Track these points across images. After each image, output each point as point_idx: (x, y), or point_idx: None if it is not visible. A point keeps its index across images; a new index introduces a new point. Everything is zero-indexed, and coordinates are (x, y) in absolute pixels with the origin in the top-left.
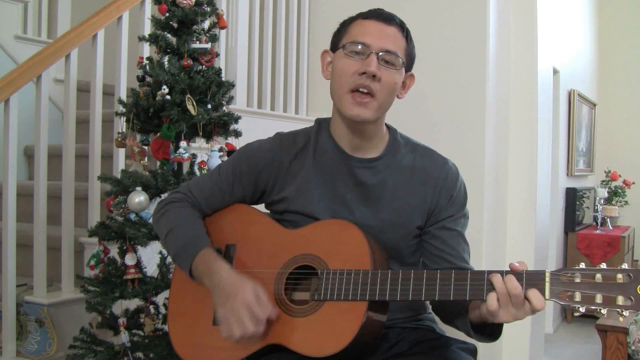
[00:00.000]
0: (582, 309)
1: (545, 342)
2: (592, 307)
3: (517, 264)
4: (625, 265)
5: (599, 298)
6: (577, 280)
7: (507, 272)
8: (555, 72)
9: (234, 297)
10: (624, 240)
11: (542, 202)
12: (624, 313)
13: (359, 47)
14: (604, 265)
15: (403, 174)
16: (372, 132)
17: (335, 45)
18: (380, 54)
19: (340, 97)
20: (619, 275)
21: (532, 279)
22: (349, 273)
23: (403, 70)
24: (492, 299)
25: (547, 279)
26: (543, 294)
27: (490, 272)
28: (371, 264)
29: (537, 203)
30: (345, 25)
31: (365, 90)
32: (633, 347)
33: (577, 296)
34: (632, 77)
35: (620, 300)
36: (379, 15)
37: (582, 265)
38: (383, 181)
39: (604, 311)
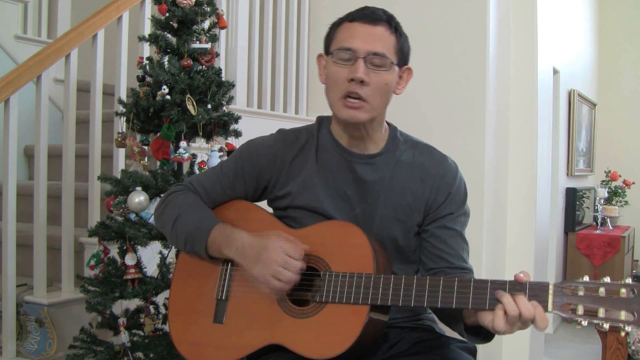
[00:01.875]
0: (585, 323)
1: (545, 342)
2: (595, 321)
3: (521, 275)
4: (629, 280)
5: (601, 312)
6: (581, 293)
7: (510, 283)
8: (555, 72)
9: (265, 251)
10: (624, 240)
11: (542, 202)
12: (626, 328)
13: (346, 54)
14: (607, 279)
15: (402, 171)
16: (370, 131)
17: (326, 49)
18: (368, 57)
19: (333, 103)
20: (623, 290)
21: (535, 291)
22: (352, 276)
23: (395, 68)
24: (499, 320)
25: (551, 291)
26: (546, 306)
27: (493, 282)
28: (374, 267)
29: (537, 203)
30: (333, 29)
31: (355, 97)
32: (633, 347)
33: (580, 309)
34: (632, 77)
35: (623, 315)
36: (365, 17)
37: (586, 278)
38: (382, 178)
39: (606, 325)
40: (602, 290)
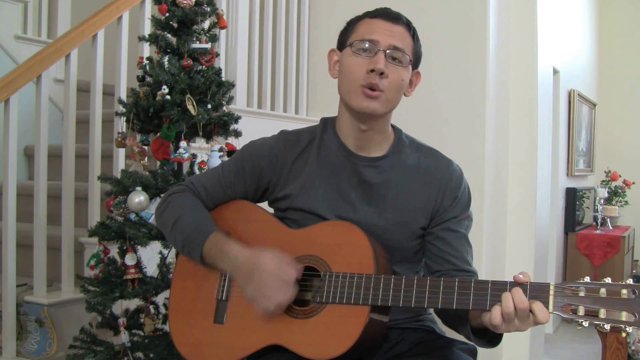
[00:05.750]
0: (586, 324)
1: (545, 342)
2: (596, 322)
3: (520, 276)
4: (630, 281)
5: (602, 313)
6: (582, 294)
7: (511, 284)
8: (555, 72)
9: (257, 271)
10: (624, 240)
11: (542, 202)
12: (627, 329)
13: (367, 44)
14: (608, 280)
15: (407, 174)
16: (377, 130)
17: (342, 43)
18: (388, 51)
19: (349, 92)
20: (624, 291)
21: (536, 291)
22: (352, 276)
23: (410, 67)
24: (496, 313)
25: (551, 292)
26: (547, 306)
27: (494, 283)
28: (374, 267)
29: (537, 203)
30: (352, 24)
31: (373, 88)
32: (633, 347)
33: (581, 310)
34: (632, 77)
35: (624, 316)
36: (387, 14)
37: (587, 279)
38: (387, 180)
39: (607, 326)
40: (603, 291)
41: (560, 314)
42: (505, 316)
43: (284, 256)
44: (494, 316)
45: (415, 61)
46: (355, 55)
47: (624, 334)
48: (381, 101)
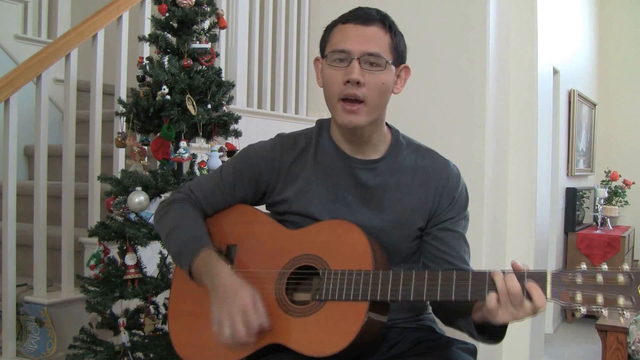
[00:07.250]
0: (583, 310)
1: (545, 342)
2: (593, 308)
3: (520, 264)
4: (626, 266)
5: (600, 299)
6: (579, 281)
7: (508, 271)
8: (555, 72)
9: (232, 300)
10: (624, 240)
11: (542, 202)
12: (624, 314)
13: (341, 55)
14: (605, 266)
15: (405, 175)
16: (369, 135)
17: (322, 52)
18: (363, 57)
19: (332, 106)
20: (620, 276)
21: (533, 278)
22: (350, 273)
23: (392, 67)
24: (491, 297)
25: (549, 279)
26: (545, 293)
27: (492, 272)
28: (372, 264)
29: (537, 203)
30: (328, 32)
31: (352, 98)
32: (633, 347)
33: (578, 297)
34: (632, 77)
35: (621, 301)
36: (358, 17)
37: (584, 266)
38: (384, 183)
39: (604, 312)
40: (599, 277)
41: (557, 300)
42: (501, 297)
43: (261, 301)
44: (489, 300)
45: (397, 57)
46: (330, 67)
47: (622, 320)
48: (363, 113)
